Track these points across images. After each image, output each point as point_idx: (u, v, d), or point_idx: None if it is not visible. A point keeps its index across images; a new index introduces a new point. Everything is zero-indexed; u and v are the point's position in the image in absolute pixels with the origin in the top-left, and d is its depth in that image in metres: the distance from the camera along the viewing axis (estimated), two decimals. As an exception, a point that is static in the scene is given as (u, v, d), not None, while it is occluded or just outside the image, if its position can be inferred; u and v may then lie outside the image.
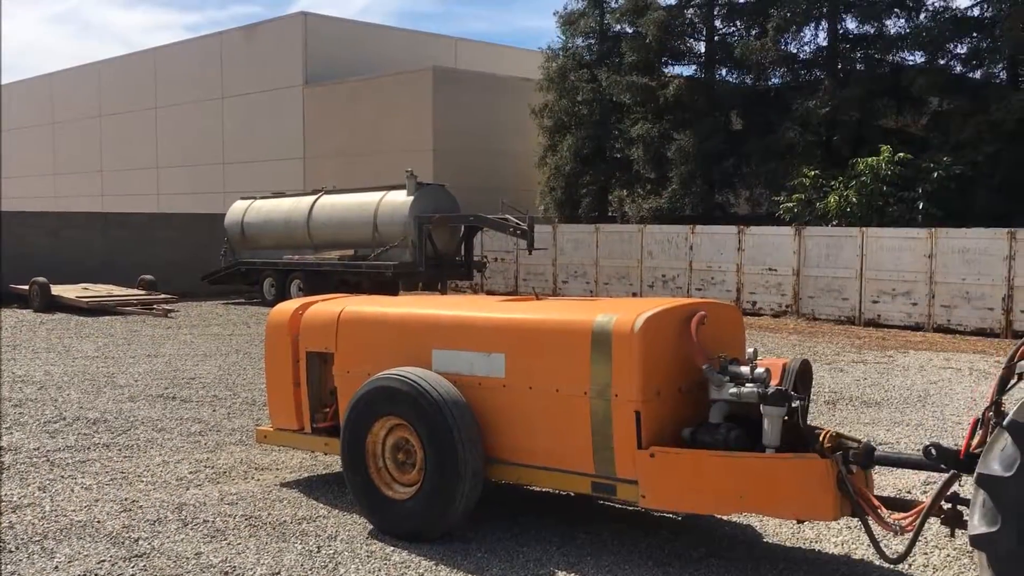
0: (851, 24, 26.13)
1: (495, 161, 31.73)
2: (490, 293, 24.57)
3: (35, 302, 20.45)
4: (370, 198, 21.94)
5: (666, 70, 28.63)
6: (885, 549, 4.68)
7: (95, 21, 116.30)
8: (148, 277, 22.70)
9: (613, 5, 29.03)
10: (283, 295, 21.17)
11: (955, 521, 4.46)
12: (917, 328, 18.08)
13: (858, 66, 26.10)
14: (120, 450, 7.79)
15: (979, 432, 4.29)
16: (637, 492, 5.05)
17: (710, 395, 5.09)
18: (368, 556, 5.31)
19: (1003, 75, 23.53)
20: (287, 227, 23.30)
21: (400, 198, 21.24)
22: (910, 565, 5.22)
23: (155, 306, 20.63)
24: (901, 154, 21.41)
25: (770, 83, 27.57)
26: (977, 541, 3.84)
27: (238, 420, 9.04)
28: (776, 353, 13.93)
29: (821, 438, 4.87)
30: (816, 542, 5.63)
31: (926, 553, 5.42)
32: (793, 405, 4.87)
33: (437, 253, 21.11)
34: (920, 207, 21.42)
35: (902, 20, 25.26)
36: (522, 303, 6.23)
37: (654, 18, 26.63)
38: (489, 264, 24.37)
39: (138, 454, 7.67)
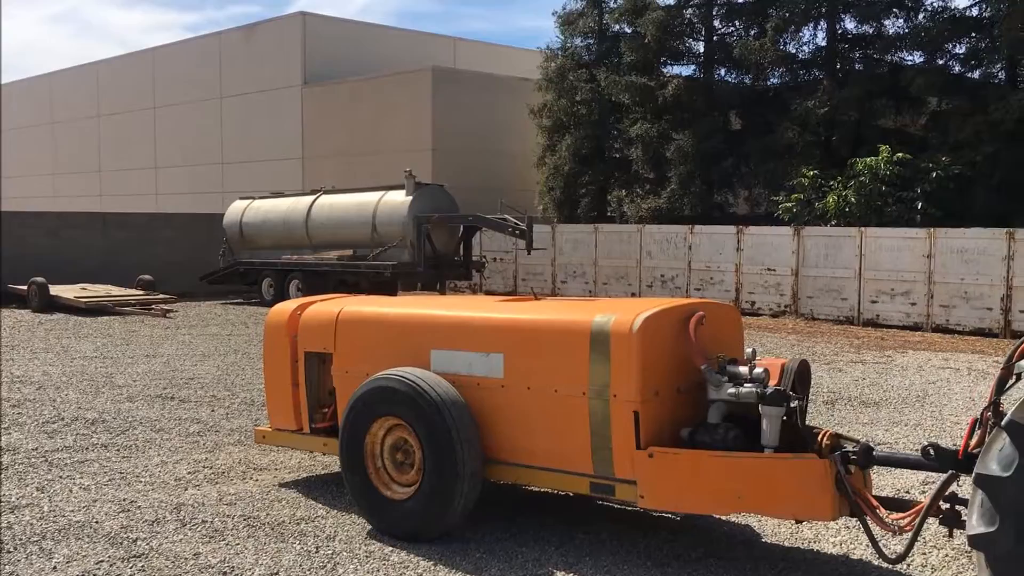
0: (850, 24, 26.18)
1: (494, 161, 31.73)
2: (489, 293, 24.57)
3: (33, 302, 20.44)
4: (369, 198, 21.95)
5: (665, 70, 28.63)
6: (884, 549, 4.68)
7: (94, 21, 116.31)
8: (147, 277, 22.70)
9: (612, 5, 29.03)
10: (282, 295, 21.17)
11: (953, 521, 4.46)
12: (916, 328, 18.09)
13: (857, 66, 26.12)
14: (118, 450, 7.79)
15: (977, 432, 4.29)
16: (636, 492, 5.05)
17: (708, 395, 5.09)
18: (367, 556, 5.31)
19: (1002, 75, 23.53)
20: (286, 227, 23.31)
21: (399, 198, 21.24)
22: (909, 565, 5.22)
23: (154, 306, 20.63)
24: (900, 154, 21.42)
25: (769, 83, 27.58)
26: (975, 541, 3.84)
27: (237, 420, 9.03)
28: (775, 353, 13.93)
29: (820, 438, 4.87)
30: (815, 542, 5.63)
31: (925, 553, 5.42)
32: (792, 405, 4.87)
33: (436, 253, 21.11)
34: (919, 207, 21.43)
35: (901, 20, 25.29)
36: (521, 303, 6.22)
37: (653, 18, 26.63)
38: (488, 264, 24.39)
39: (136, 454, 7.66)
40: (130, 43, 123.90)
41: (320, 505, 6.26)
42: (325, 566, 5.16)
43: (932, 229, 18.31)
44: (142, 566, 5.15)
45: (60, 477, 6.94)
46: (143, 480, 6.88)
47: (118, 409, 9.53)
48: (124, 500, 6.35)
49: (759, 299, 20.63)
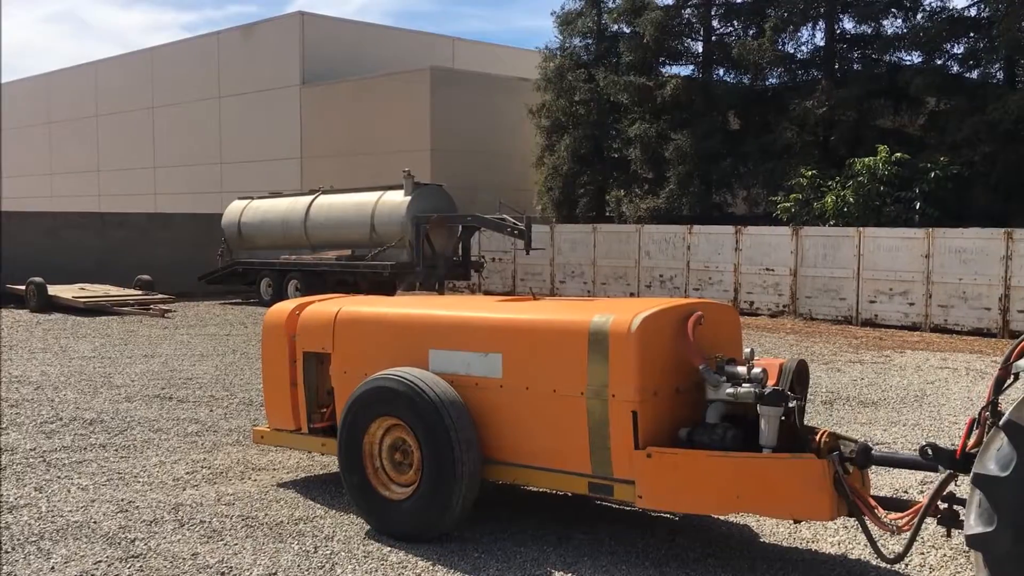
0: (848, 24, 26.21)
1: (492, 161, 31.73)
2: (487, 293, 24.57)
3: (32, 302, 20.42)
4: (367, 198, 21.94)
5: (663, 70, 28.65)
6: (882, 549, 4.68)
7: (92, 21, 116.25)
8: (145, 277, 22.69)
9: (611, 5, 29.04)
10: (280, 295, 21.16)
11: (952, 521, 4.46)
12: (914, 328, 18.10)
13: (855, 66, 26.13)
14: (117, 450, 7.78)
15: (975, 432, 4.30)
16: (634, 492, 5.05)
17: (707, 395, 5.10)
18: (365, 556, 5.31)
19: (1000, 75, 23.55)
20: (284, 227, 23.30)
21: (397, 198, 21.24)
22: (907, 565, 5.22)
23: (152, 306, 20.61)
24: (898, 154, 21.44)
25: (767, 83, 27.59)
26: (973, 541, 3.85)
27: (235, 420, 9.03)
28: (773, 353, 13.94)
29: (818, 438, 4.88)
30: (813, 542, 5.63)
31: (923, 553, 5.42)
32: (790, 405, 4.87)
33: (434, 253, 21.11)
34: (917, 207, 21.45)
35: (899, 20, 25.33)
36: (519, 303, 6.22)
37: (651, 18, 26.64)
38: (486, 264, 24.38)
39: (135, 454, 7.66)
40: (128, 43, 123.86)
41: (318, 505, 6.26)
42: (324, 566, 5.16)
43: (930, 229, 18.32)
44: (140, 566, 5.15)
45: (58, 477, 6.93)
46: (141, 480, 6.87)
47: (116, 409, 9.53)
48: (122, 500, 6.35)
49: (757, 299, 20.63)
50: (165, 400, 10.08)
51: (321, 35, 35.76)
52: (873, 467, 5.04)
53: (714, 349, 5.29)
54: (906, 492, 6.57)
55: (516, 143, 31.50)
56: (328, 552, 5.37)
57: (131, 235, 25.27)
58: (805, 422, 5.17)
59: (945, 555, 5.40)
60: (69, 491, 6.57)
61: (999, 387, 4.19)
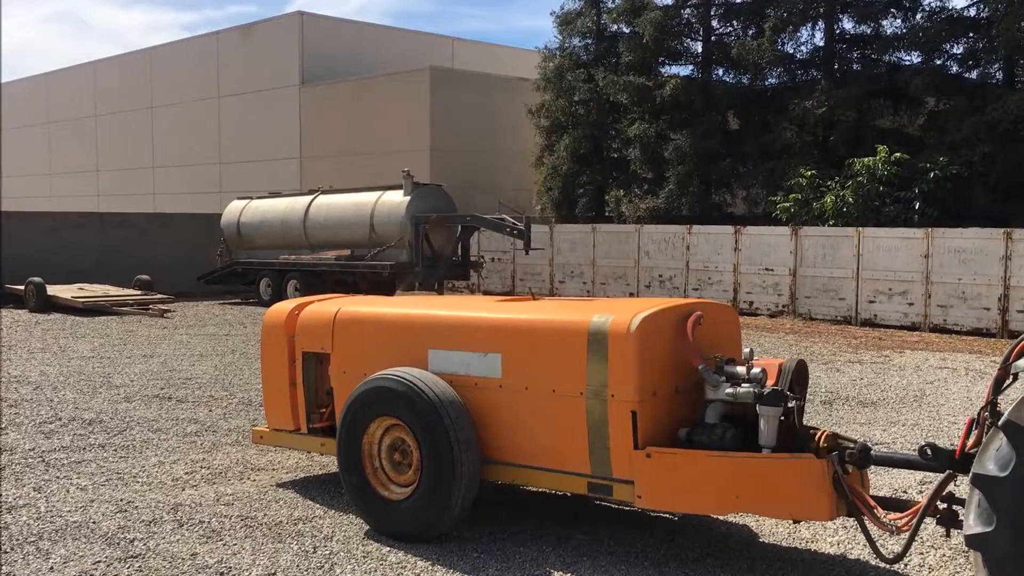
0: (848, 24, 26.21)
1: (492, 161, 31.74)
2: (487, 293, 24.57)
3: (31, 302, 20.41)
4: (367, 198, 21.94)
5: (663, 70, 28.66)
6: (881, 549, 4.68)
7: (92, 21, 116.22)
8: (144, 277, 22.68)
9: (610, 5, 29.04)
10: (279, 295, 21.16)
11: (951, 521, 4.46)
12: (913, 328, 18.10)
13: (855, 66, 26.14)
14: (116, 450, 7.78)
15: (975, 432, 4.30)
16: (633, 492, 5.05)
17: (706, 395, 5.09)
18: (364, 557, 5.31)
19: (999, 75, 23.55)
20: (283, 227, 23.29)
21: (397, 198, 21.24)
22: (906, 565, 5.22)
23: (151, 306, 20.60)
24: (897, 154, 21.45)
25: (767, 83, 27.60)
26: (973, 541, 3.85)
27: (234, 420, 9.03)
28: (773, 353, 13.94)
29: (817, 438, 4.88)
30: (812, 542, 5.63)
31: (922, 553, 5.42)
32: (789, 405, 4.87)
33: (434, 253, 21.11)
34: (916, 207, 21.45)
35: (898, 20, 25.33)
36: (518, 303, 6.22)
37: (651, 18, 26.65)
38: (486, 264, 24.38)
39: (134, 455, 7.65)
40: (128, 43, 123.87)
41: (318, 505, 6.26)
42: (323, 566, 5.16)
43: (929, 229, 18.33)
44: (139, 566, 5.15)
45: (57, 477, 6.93)
46: (140, 480, 6.87)
47: (115, 409, 9.52)
48: (121, 500, 6.34)
49: (757, 299, 20.64)
50: (164, 400, 10.08)
51: (320, 35, 35.76)
52: (872, 467, 5.03)
53: (713, 349, 5.29)
54: (905, 492, 6.57)
55: (515, 143, 31.50)
56: (327, 552, 5.37)
57: (130, 235, 25.27)
58: (804, 422, 5.16)
59: (944, 555, 5.40)
60: (68, 491, 6.57)
61: (998, 387, 4.20)
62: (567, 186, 28.97)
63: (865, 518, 4.64)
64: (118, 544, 5.49)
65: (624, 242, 23.15)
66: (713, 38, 28.19)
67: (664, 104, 26.58)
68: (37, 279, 20.58)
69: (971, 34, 23.91)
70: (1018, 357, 4.12)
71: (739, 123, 27.69)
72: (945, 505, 4.49)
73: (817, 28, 26.34)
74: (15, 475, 6.97)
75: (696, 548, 5.48)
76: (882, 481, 6.75)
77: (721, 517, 5.91)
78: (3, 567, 5.13)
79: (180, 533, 5.69)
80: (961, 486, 4.60)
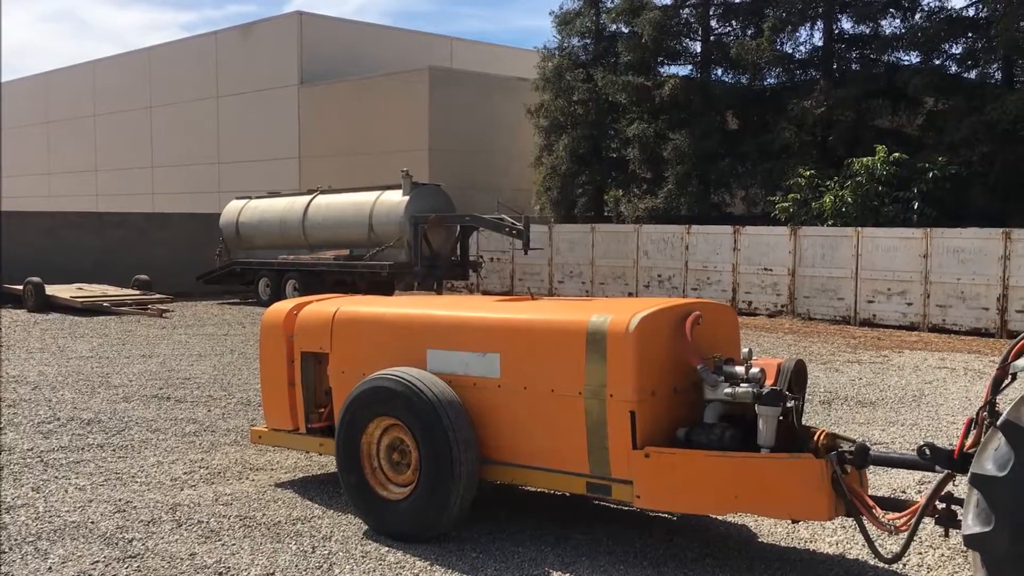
0: (846, 24, 26.23)
1: (491, 161, 31.74)
2: (486, 293, 24.57)
3: (29, 302, 20.39)
4: (366, 198, 21.94)
5: (662, 70, 28.68)
6: (880, 549, 4.68)
7: (91, 20, 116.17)
8: (143, 277, 22.67)
9: (609, 5, 29.04)
10: (278, 295, 21.16)
11: (949, 521, 4.46)
12: (912, 328, 18.11)
13: (853, 66, 26.15)
14: (114, 450, 7.77)
15: (973, 432, 4.30)
16: (632, 492, 5.05)
17: (705, 395, 5.09)
18: (363, 557, 5.31)
19: (998, 75, 23.57)
20: (282, 227, 23.29)
21: (396, 198, 21.24)
22: (905, 565, 5.22)
23: (150, 306, 20.59)
24: (896, 154, 21.45)
25: (765, 83, 27.61)
26: (971, 541, 3.85)
27: (233, 420, 9.02)
28: (771, 353, 13.95)
29: (816, 438, 4.88)
30: (811, 542, 5.63)
31: (921, 553, 5.43)
32: (788, 405, 4.87)
33: (433, 253, 21.10)
34: (915, 207, 21.46)
35: (897, 20, 25.34)
36: (517, 303, 6.22)
37: (650, 18, 26.65)
38: (485, 264, 24.38)
39: (132, 454, 7.65)
40: (127, 42, 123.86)
41: (316, 505, 6.26)
42: (321, 566, 5.16)
43: (928, 229, 18.33)
44: (138, 566, 5.14)
45: (56, 477, 6.92)
46: (139, 480, 6.87)
47: (114, 409, 9.52)
48: (120, 500, 6.34)
49: (756, 299, 20.64)
50: (163, 400, 10.07)
51: (319, 35, 35.75)
52: (871, 467, 5.03)
53: (712, 349, 5.29)
54: (904, 492, 6.57)
55: (514, 143, 31.50)
56: (326, 552, 5.37)
57: (129, 235, 25.25)
58: (803, 422, 5.17)
59: (943, 555, 5.40)
60: (66, 491, 6.56)
61: (997, 387, 4.20)
62: (566, 186, 28.98)
63: (864, 518, 4.64)
64: (116, 544, 5.48)
65: (623, 242, 23.16)
66: (712, 38, 28.20)
67: (663, 104, 26.58)
68: (36, 279, 20.56)
69: (970, 34, 23.92)
70: (1017, 357, 4.12)
71: (738, 123, 27.70)
72: (944, 505, 4.49)
73: (816, 28, 26.38)
74: (13, 475, 6.96)
75: (695, 548, 5.48)
76: (881, 481, 6.75)
77: (720, 517, 5.91)
78: (2, 567, 5.13)
79: (178, 533, 5.69)
80: (960, 486, 4.60)
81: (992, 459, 3.81)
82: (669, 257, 22.12)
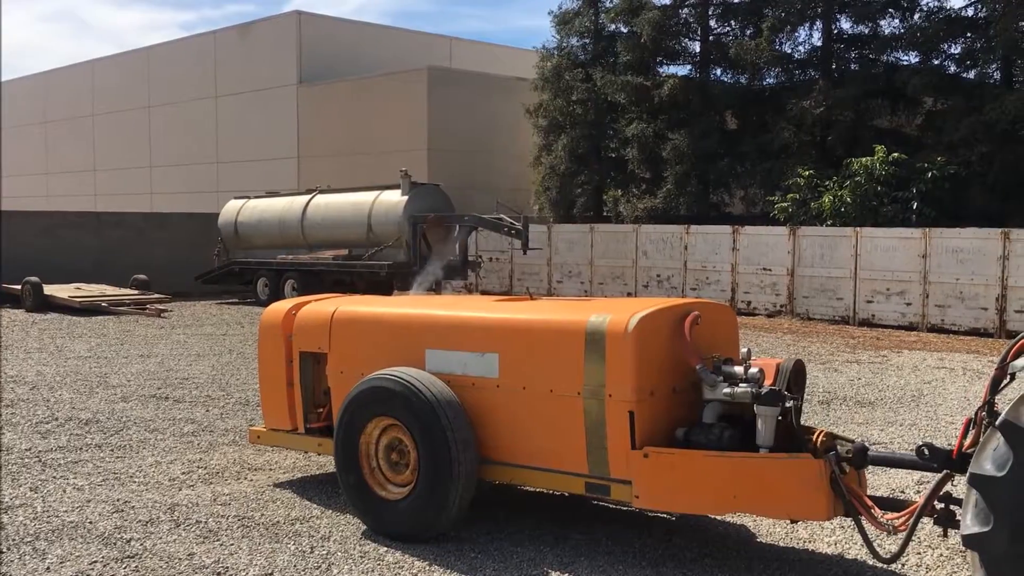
0: (845, 24, 26.25)
1: (490, 161, 31.74)
2: (485, 293, 24.57)
3: (27, 302, 20.37)
4: (364, 198, 21.93)
5: (661, 70, 28.68)
6: (878, 549, 4.68)
7: (90, 20, 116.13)
8: (141, 277, 22.65)
9: (608, 5, 29.04)
10: (277, 295, 21.13)
11: (948, 521, 4.46)
12: (911, 328, 18.11)
13: (852, 66, 26.16)
14: (112, 451, 7.76)
15: (972, 432, 4.30)
16: (631, 492, 5.05)
17: (704, 395, 5.09)
18: (362, 557, 5.30)
19: (997, 75, 23.57)
20: (281, 227, 23.27)
21: (394, 198, 21.23)
22: (903, 565, 5.22)
23: (148, 306, 20.57)
24: (895, 154, 21.46)
25: (765, 83, 27.62)
26: (970, 541, 3.85)
27: (231, 420, 9.01)
28: (770, 353, 13.95)
29: (815, 438, 4.87)
30: (810, 542, 5.63)
31: (919, 553, 5.42)
32: (787, 405, 4.87)
33: (431, 253, 21.08)
34: (914, 207, 21.47)
35: (896, 20, 25.36)
36: (516, 303, 6.22)
37: (649, 18, 26.66)
38: (484, 264, 24.37)
39: (130, 455, 7.64)
40: (126, 42, 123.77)
41: (315, 505, 6.25)
42: (320, 566, 5.15)
43: (927, 229, 18.34)
44: (136, 566, 5.14)
45: (54, 477, 6.92)
46: (137, 480, 6.86)
47: (112, 409, 9.51)
48: (118, 500, 6.33)
49: (755, 299, 20.64)
50: (161, 400, 10.07)
51: (318, 34, 35.74)
52: (870, 467, 5.03)
53: (711, 349, 5.29)
54: (903, 492, 6.57)
55: (513, 143, 31.49)
56: (324, 552, 5.37)
57: (128, 235, 25.24)
58: (802, 422, 5.16)
59: (941, 555, 5.40)
60: (65, 491, 6.55)
61: (995, 387, 4.19)
62: (565, 186, 28.97)
63: (862, 518, 4.64)
64: (115, 544, 5.48)
65: (622, 242, 23.15)
66: (711, 38, 28.20)
67: (662, 104, 26.59)
68: (34, 279, 20.53)
69: (969, 34, 23.93)
70: (1015, 357, 4.12)
71: (737, 123, 27.70)
72: (942, 505, 4.49)
73: (815, 28, 26.36)
74: (11, 475, 6.96)
75: (694, 548, 5.48)
76: (879, 481, 6.75)
77: (719, 517, 5.91)
78: (0, 567, 5.13)
79: (177, 533, 5.68)
80: (958, 486, 4.60)
81: (991, 459, 3.81)
82: (668, 257, 22.11)
